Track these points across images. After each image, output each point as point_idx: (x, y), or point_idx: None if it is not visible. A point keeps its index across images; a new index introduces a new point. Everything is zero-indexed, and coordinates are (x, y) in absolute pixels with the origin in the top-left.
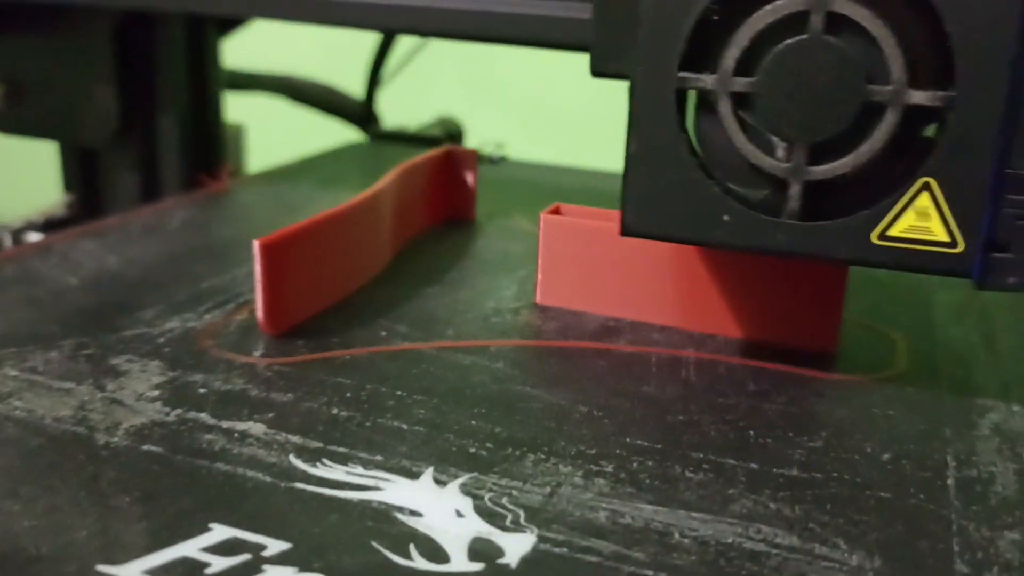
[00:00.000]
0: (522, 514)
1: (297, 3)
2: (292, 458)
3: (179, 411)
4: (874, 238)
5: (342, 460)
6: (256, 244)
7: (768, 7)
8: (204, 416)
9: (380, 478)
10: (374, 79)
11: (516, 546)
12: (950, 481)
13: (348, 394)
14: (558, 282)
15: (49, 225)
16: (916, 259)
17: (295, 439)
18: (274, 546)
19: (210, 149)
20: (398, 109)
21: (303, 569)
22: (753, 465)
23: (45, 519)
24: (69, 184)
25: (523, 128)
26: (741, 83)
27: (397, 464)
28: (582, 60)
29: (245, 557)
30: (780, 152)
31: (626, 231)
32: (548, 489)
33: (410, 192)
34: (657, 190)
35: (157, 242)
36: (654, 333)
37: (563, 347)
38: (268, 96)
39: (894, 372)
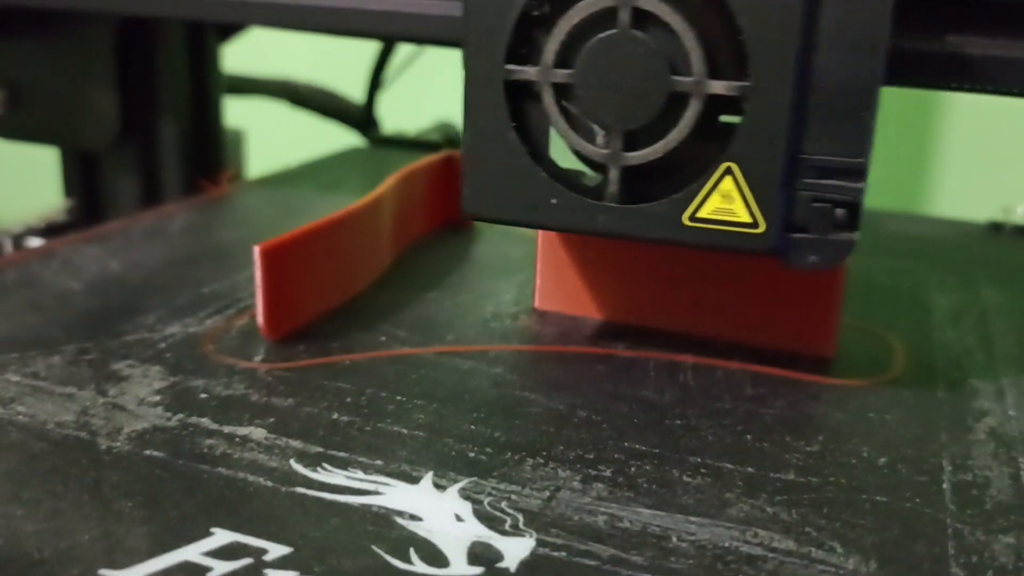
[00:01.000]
0: (521, 518)
1: (297, 11)
2: (293, 463)
3: (180, 416)
4: (685, 220)
5: (342, 465)
6: (256, 249)
7: (581, 3)
8: (205, 421)
9: (380, 482)
10: (374, 83)
11: (515, 550)
12: (946, 485)
13: (348, 399)
14: (557, 287)
15: (50, 230)
16: (723, 239)
17: (296, 444)
18: (275, 550)
19: (210, 154)
20: (398, 114)
21: (304, 573)
22: (750, 469)
23: (48, 523)
24: (70, 189)
25: None
26: (561, 75)
27: (397, 468)
28: None
29: (246, 561)
30: (600, 139)
31: (465, 214)
32: (547, 493)
33: (410, 197)
34: (492, 176)
35: (158, 247)
36: (652, 337)
37: (562, 352)
38: (268, 100)
39: (891, 376)
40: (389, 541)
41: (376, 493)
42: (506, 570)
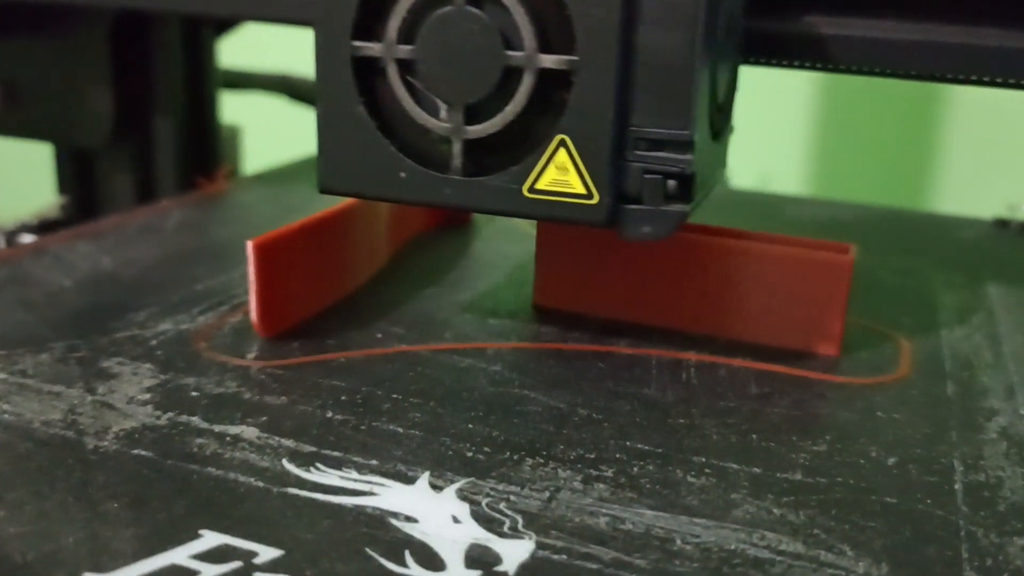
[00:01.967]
0: (520, 520)
1: (292, 4)
2: (285, 462)
3: (170, 414)
4: (525, 191)
5: (336, 464)
6: (249, 245)
7: None
8: (196, 420)
9: (375, 483)
10: None
11: (514, 553)
12: (957, 486)
13: (343, 397)
14: (556, 284)
15: (43, 227)
16: (560, 210)
17: (288, 443)
18: (266, 553)
19: (206, 150)
20: None
21: None
22: (756, 469)
23: (32, 525)
24: (64, 186)
25: None
26: (404, 50)
27: (392, 468)
28: None
29: (236, 565)
30: (443, 113)
31: (321, 189)
32: (547, 494)
33: None
34: (344, 151)
35: (152, 244)
36: (654, 335)
37: (562, 349)
38: (265, 96)
39: (899, 375)
40: (384, 544)
41: (371, 494)
42: (505, 573)
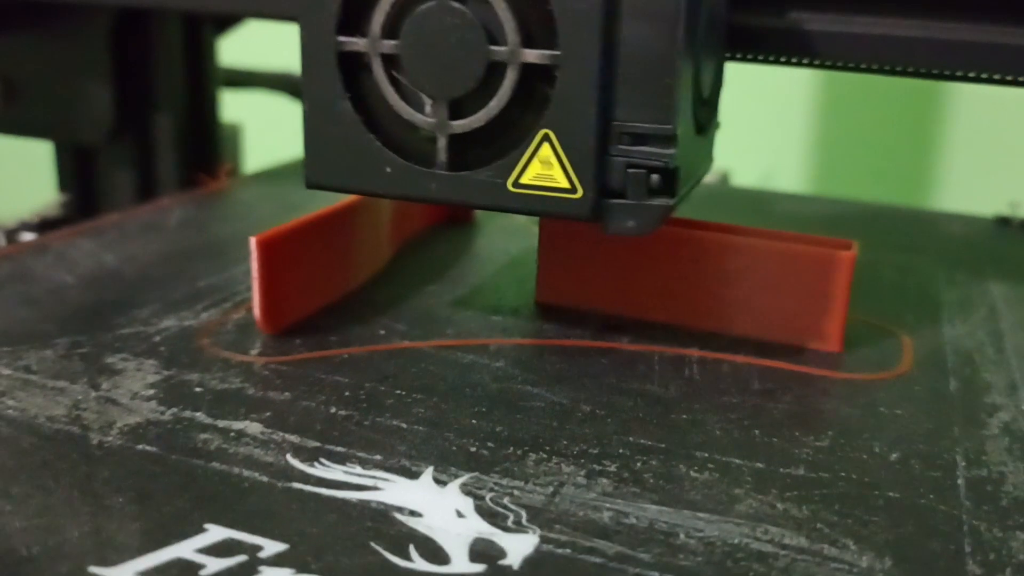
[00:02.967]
0: (524, 514)
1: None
2: (289, 457)
3: (174, 410)
4: (509, 186)
5: (340, 460)
6: (253, 241)
7: None
8: (200, 415)
9: (379, 478)
10: None
11: (518, 547)
12: (960, 481)
13: (346, 393)
14: (559, 280)
15: (44, 225)
16: (544, 204)
17: (292, 438)
18: (270, 547)
19: (207, 148)
20: None
21: (300, 571)
22: (759, 464)
23: (37, 519)
24: (64, 184)
25: None
26: (388, 45)
27: (396, 464)
28: None
29: (241, 558)
30: (428, 108)
31: (308, 184)
32: (551, 489)
33: None
34: (329, 146)
35: (154, 241)
36: (657, 331)
37: (564, 345)
38: (266, 94)
39: (901, 371)
40: (388, 538)
41: (375, 488)
42: (509, 567)
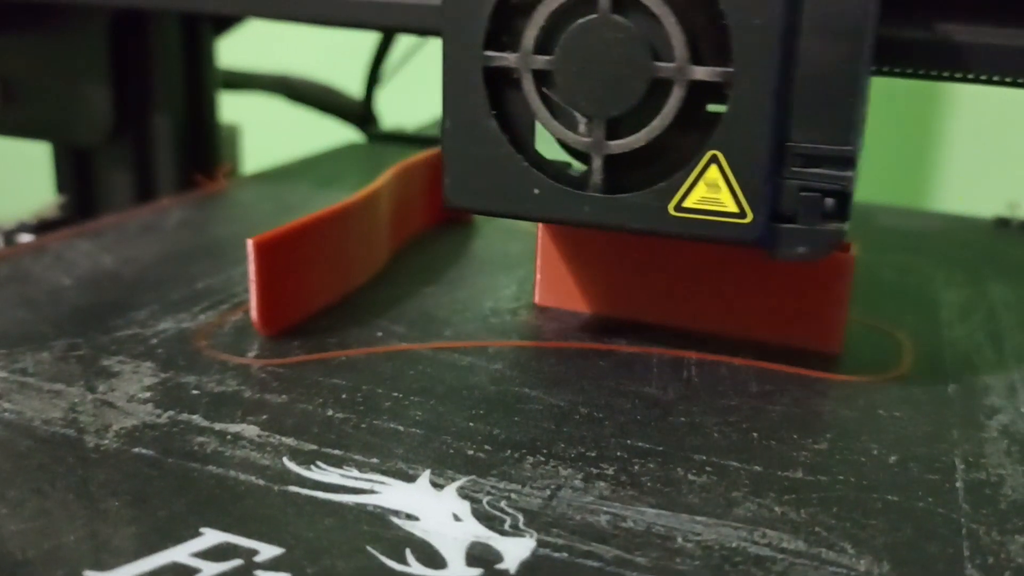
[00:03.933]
0: (521, 518)
1: (293, 1)
2: (286, 461)
3: (171, 413)
4: (671, 210)
5: (337, 463)
6: (250, 243)
7: None
8: (196, 418)
9: (376, 481)
10: (373, 78)
11: (515, 551)
12: (959, 484)
13: (344, 395)
14: (557, 282)
15: (42, 227)
16: (709, 229)
17: (289, 441)
18: (266, 551)
19: (205, 149)
20: (397, 109)
21: (296, 574)
22: (757, 467)
23: (33, 523)
24: (62, 185)
25: None
26: (541, 61)
27: (393, 467)
28: None
29: (236, 563)
30: (582, 127)
31: (447, 205)
32: (548, 492)
33: (408, 191)
34: (472, 166)
35: (153, 242)
36: (655, 333)
37: (562, 347)
38: (265, 96)
39: (900, 372)
40: (385, 542)
41: (372, 492)
42: (506, 571)
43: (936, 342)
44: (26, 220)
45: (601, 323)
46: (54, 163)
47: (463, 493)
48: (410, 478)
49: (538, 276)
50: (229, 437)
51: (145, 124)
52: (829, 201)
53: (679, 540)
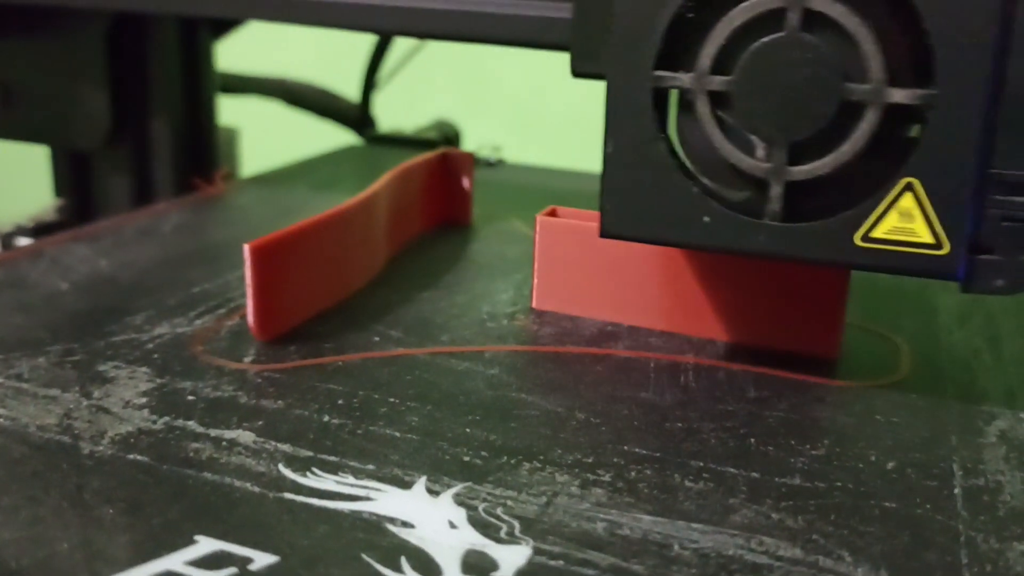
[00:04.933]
0: (517, 525)
1: (291, 4)
2: (281, 467)
3: (166, 419)
4: (857, 240)
5: (333, 469)
6: (246, 248)
7: (745, 4)
8: (192, 424)
9: (371, 488)
10: (370, 82)
11: (511, 558)
12: (957, 490)
13: (340, 401)
14: (555, 286)
15: (40, 230)
16: (901, 261)
17: (285, 448)
18: (261, 559)
19: (203, 153)
20: (394, 112)
21: None
22: (754, 474)
23: (26, 531)
24: (60, 189)
25: (520, 131)
26: (718, 82)
27: (389, 473)
28: None
29: (231, 571)
30: (760, 152)
31: (605, 233)
32: (544, 499)
33: (406, 195)
34: (636, 191)
35: (150, 246)
36: (652, 338)
37: (560, 353)
38: (263, 99)
39: (897, 378)
40: (380, 549)
41: (367, 499)
42: None
43: (934, 347)
44: (23, 224)
45: (598, 328)
46: (52, 167)
47: (459, 500)
48: (406, 485)
49: (535, 280)
50: (224, 443)
51: (143, 128)
52: None
53: (676, 548)
